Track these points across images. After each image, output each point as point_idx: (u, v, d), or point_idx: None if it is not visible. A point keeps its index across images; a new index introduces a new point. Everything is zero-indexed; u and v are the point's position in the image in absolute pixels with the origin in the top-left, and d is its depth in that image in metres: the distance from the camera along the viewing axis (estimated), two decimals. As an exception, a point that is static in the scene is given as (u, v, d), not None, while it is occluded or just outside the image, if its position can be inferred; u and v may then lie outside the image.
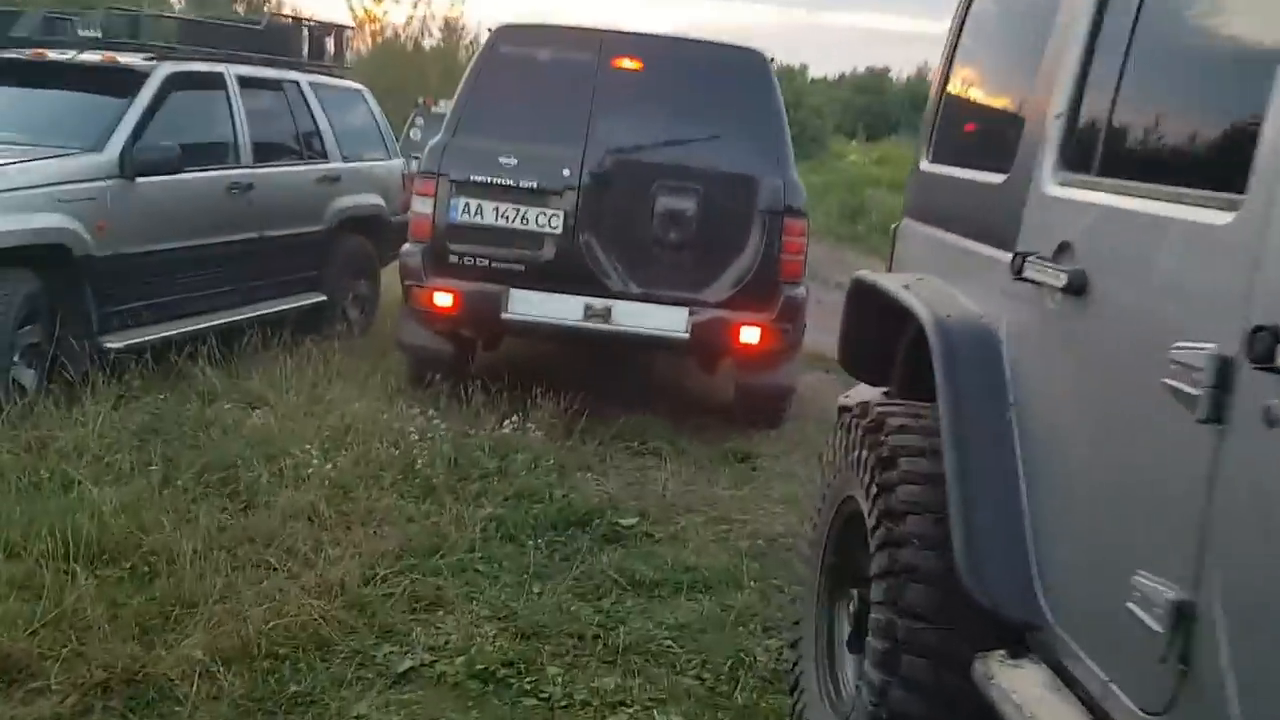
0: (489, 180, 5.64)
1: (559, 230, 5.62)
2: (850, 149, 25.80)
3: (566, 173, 5.62)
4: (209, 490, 4.49)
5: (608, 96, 5.70)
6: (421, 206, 5.82)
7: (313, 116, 7.54)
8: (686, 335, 5.56)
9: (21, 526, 3.84)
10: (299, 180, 7.30)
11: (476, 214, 5.63)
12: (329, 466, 4.65)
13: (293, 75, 7.55)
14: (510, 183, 5.63)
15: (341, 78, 8.35)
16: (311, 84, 7.67)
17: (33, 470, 4.40)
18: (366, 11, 23.19)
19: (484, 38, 6.13)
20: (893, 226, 3.67)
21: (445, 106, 14.58)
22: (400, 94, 20.41)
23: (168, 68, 6.32)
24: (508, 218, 5.60)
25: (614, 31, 5.98)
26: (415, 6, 23.84)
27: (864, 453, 2.69)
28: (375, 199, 7.93)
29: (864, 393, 3.30)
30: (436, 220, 5.73)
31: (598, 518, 4.54)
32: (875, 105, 58.52)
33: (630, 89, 5.77)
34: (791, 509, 4.81)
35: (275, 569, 3.83)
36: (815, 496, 3.20)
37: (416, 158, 7.08)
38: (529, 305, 5.65)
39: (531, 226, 5.62)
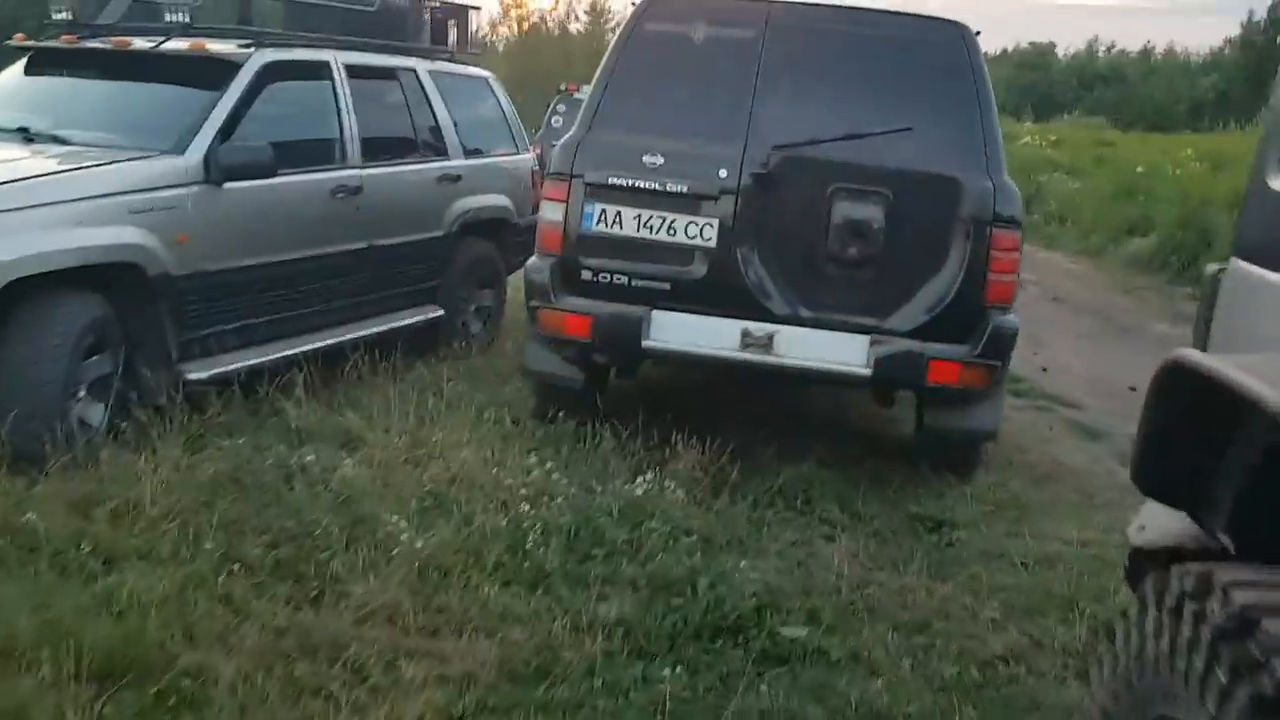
0: (631, 183, 4.79)
1: (713, 243, 4.73)
2: (1023, 129, 23.88)
3: (723, 174, 4.73)
4: (276, 571, 3.65)
5: (774, 80, 4.83)
6: (551, 213, 4.96)
7: (431, 109, 6.71)
8: (868, 371, 4.59)
9: (32, 631, 3.05)
10: (415, 181, 6.46)
11: (615, 223, 4.79)
12: (420, 544, 3.75)
13: (410, 62, 6.73)
14: (656, 186, 4.78)
15: (466, 64, 7.50)
16: (431, 72, 6.84)
17: (71, 541, 3.64)
18: None
19: (629, 14, 5.19)
20: (1209, 270, 2.51)
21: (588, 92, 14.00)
22: (547, 81, 19.85)
23: (265, 56, 5.53)
24: (652, 228, 4.76)
25: (783, 0, 5.01)
26: None
27: (1207, 658, 1.60)
28: (501, 200, 7.05)
29: (1162, 522, 2.17)
30: (568, 230, 4.88)
31: (754, 624, 3.50)
32: (1041, 83, 55.81)
33: (802, 71, 4.87)
34: (1009, 614, 3.69)
35: (336, 700, 2.94)
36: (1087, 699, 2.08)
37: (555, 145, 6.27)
38: (675, 331, 4.78)
39: (680, 238, 4.76)
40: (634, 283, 4.79)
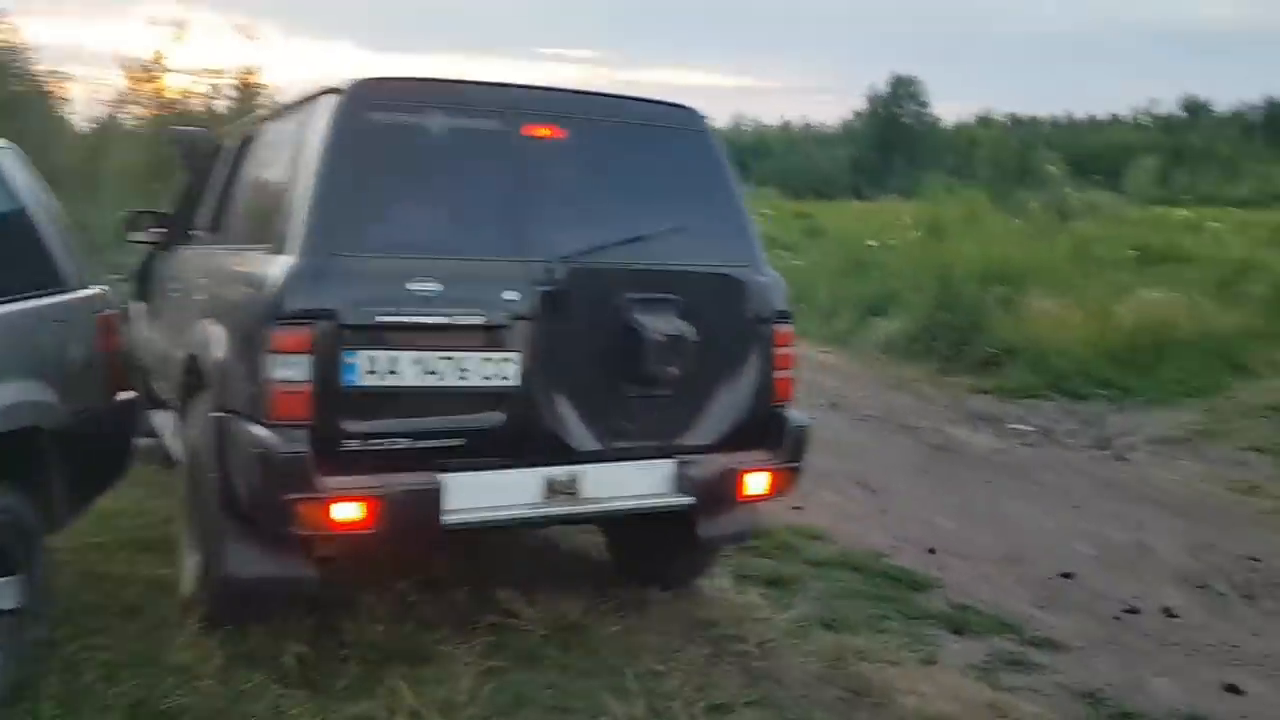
0: (406, 319, 3.72)
1: (513, 380, 3.89)
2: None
3: (512, 296, 3.89)
4: None
5: (533, 178, 4.07)
6: (288, 370, 3.61)
7: None
8: (691, 499, 4.10)
9: None
10: None
11: (390, 372, 3.70)
12: None
13: None
14: (440, 320, 3.77)
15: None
16: None
17: None
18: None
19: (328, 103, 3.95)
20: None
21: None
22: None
23: None
24: (439, 372, 3.78)
25: (522, 86, 4.26)
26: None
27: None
28: (28, 391, 3.69)
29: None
30: (321, 389, 3.61)
31: None
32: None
33: (558, 166, 4.17)
34: None
35: None
36: None
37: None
38: (474, 495, 3.84)
39: (475, 381, 3.84)
40: (417, 444, 3.82)
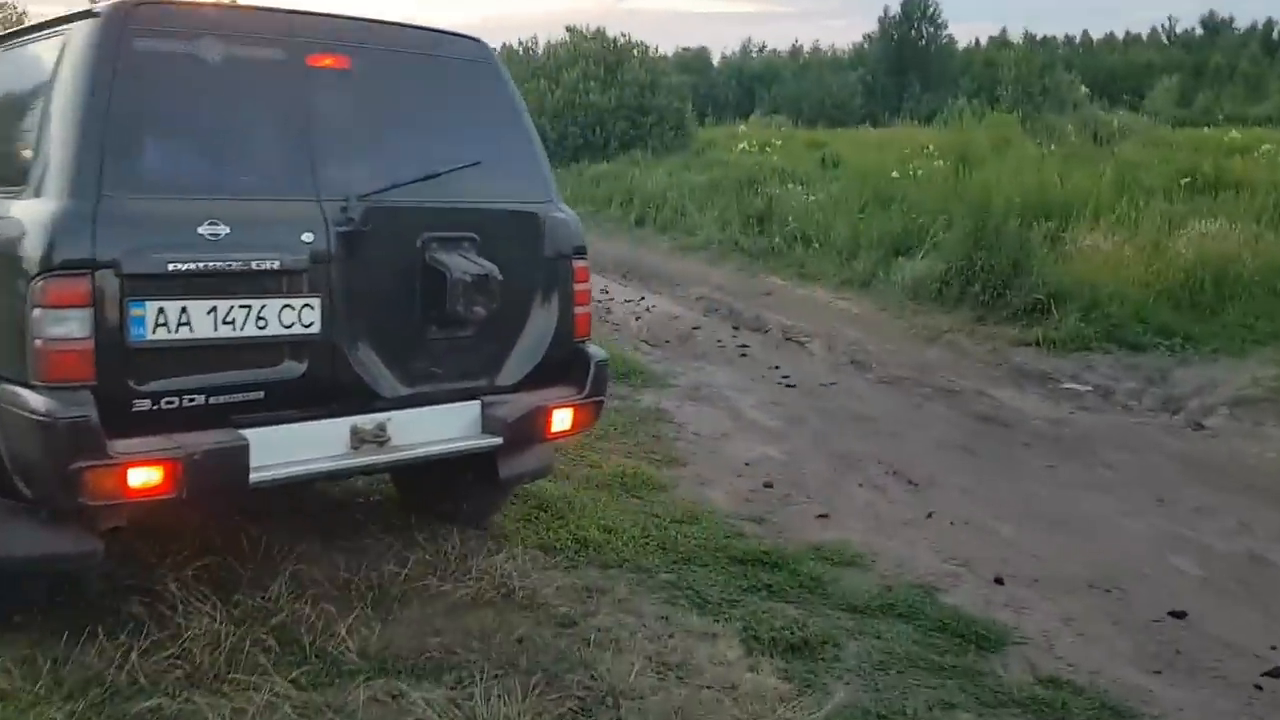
0: (198, 266, 3.43)
1: (315, 327, 3.64)
2: (739, 133, 21.13)
3: (309, 238, 3.64)
4: None
5: (323, 112, 3.84)
6: (64, 326, 3.26)
7: None
8: (499, 439, 3.99)
9: None
10: None
11: (182, 325, 3.42)
12: None
13: None
14: (235, 265, 3.48)
15: None
16: None
17: None
18: None
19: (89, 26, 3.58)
20: None
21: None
22: None
23: None
24: (235, 322, 3.50)
25: (303, 13, 3.92)
26: None
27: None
28: None
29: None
30: (105, 344, 3.29)
31: None
32: (701, 85, 55.32)
33: (346, 99, 3.96)
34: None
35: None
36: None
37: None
38: (280, 450, 3.60)
39: (274, 329, 3.57)
40: (216, 400, 3.56)
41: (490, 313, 3.90)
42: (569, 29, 24.92)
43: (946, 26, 66.05)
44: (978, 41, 65.46)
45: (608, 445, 6.08)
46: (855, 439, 6.66)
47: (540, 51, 24.31)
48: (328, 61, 3.90)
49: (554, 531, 4.64)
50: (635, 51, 23.56)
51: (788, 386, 8.07)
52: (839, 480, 5.80)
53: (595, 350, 4.34)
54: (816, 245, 13.23)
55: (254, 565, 4.03)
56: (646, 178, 18.34)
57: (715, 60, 69.21)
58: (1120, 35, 67.54)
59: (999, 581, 4.42)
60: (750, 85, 61.47)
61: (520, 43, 25.41)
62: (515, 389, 4.13)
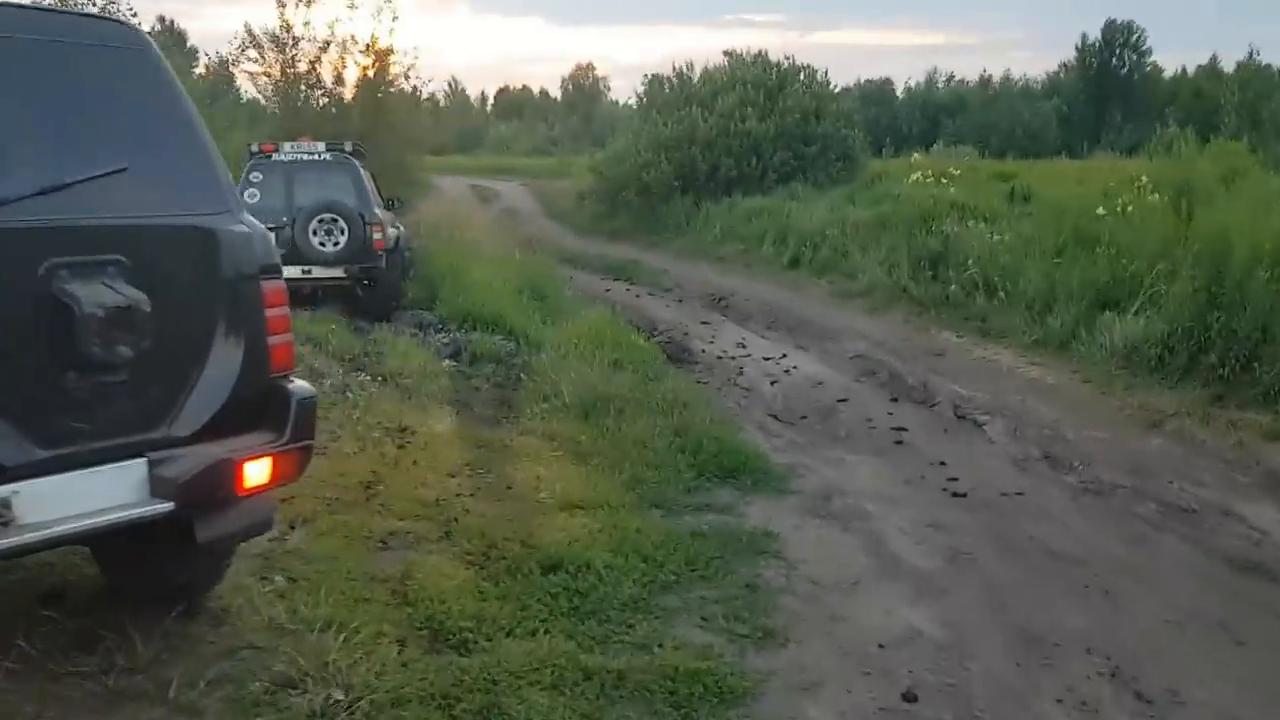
0: None
1: None
2: (911, 164, 18.95)
3: None
4: None
5: None
6: None
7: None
8: (168, 504, 3.43)
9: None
10: None
11: None
12: None
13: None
14: None
15: None
16: None
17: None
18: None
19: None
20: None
21: (294, 150, 11.80)
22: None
23: None
24: None
25: None
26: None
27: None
28: None
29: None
30: None
31: None
32: (884, 115, 52.88)
33: None
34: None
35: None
36: None
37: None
38: None
39: None
40: None
41: (141, 351, 3.42)
42: (726, 53, 23.21)
43: (1151, 54, 61.69)
44: (1184, 69, 60.60)
45: (674, 603, 4.20)
46: (1052, 600, 4.56)
47: (696, 78, 22.66)
48: None
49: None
50: (802, 75, 21.61)
51: (955, 495, 6.00)
52: (1025, 689, 3.74)
53: (299, 386, 3.87)
54: (1001, 295, 11.02)
55: None
56: (805, 213, 16.40)
57: (899, 91, 66.55)
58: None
59: None
60: (935, 115, 58.59)
61: (674, 68, 23.78)
62: (194, 439, 3.61)
